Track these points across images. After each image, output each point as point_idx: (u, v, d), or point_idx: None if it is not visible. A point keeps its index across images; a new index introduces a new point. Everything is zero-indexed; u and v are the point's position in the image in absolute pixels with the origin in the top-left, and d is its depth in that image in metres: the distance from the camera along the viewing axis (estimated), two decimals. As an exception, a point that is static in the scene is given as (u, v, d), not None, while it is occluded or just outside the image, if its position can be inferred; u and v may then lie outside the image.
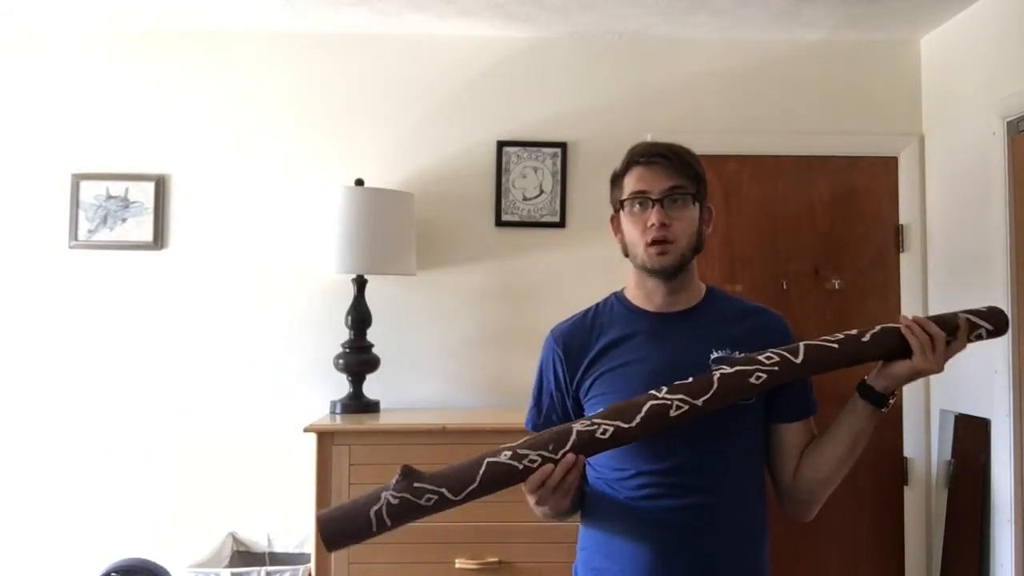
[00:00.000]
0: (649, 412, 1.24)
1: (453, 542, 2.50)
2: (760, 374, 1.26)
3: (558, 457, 1.22)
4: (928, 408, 3.04)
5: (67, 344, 3.03)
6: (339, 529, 1.24)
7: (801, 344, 1.30)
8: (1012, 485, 2.54)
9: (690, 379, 1.26)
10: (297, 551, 2.92)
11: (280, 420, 2.94)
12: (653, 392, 1.26)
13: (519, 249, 3.11)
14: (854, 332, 1.33)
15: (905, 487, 3.07)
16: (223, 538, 2.91)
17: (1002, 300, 2.58)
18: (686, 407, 1.24)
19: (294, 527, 2.92)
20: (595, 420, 1.25)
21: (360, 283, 2.88)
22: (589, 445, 1.24)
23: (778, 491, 1.50)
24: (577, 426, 1.25)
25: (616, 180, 1.50)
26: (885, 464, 3.08)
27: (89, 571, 2.82)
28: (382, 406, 2.90)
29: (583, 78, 3.15)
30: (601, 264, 3.00)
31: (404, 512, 1.22)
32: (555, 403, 1.50)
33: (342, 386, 2.86)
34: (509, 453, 1.23)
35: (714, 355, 1.41)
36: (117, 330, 3.03)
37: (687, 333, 1.45)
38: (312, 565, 2.52)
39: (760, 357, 1.28)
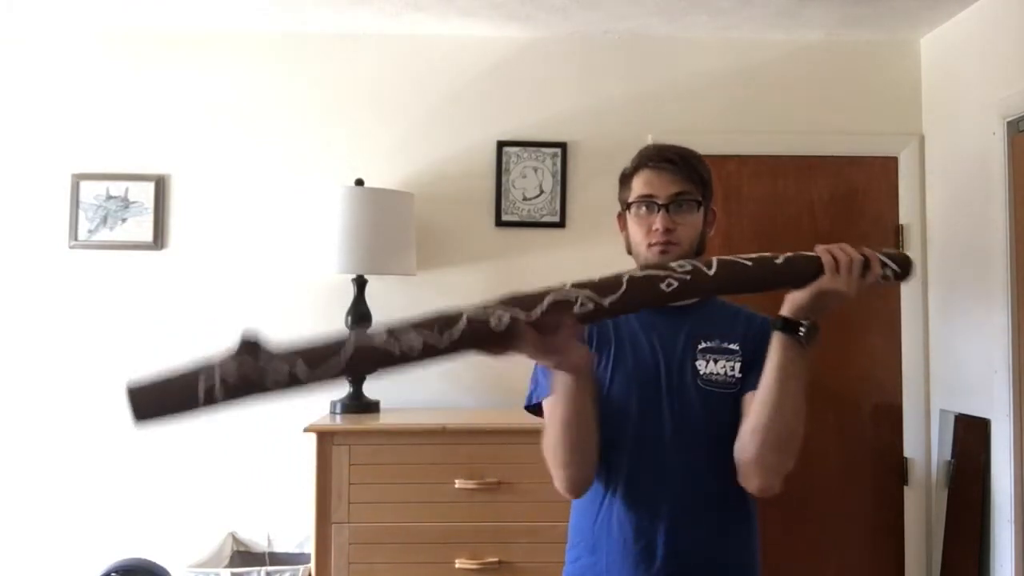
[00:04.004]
0: (550, 308, 1.10)
1: (453, 542, 2.50)
2: (672, 281, 1.16)
3: (444, 344, 1.04)
4: (928, 408, 3.04)
5: (67, 344, 3.02)
6: (154, 401, 1.03)
7: (714, 258, 1.22)
8: (1012, 485, 2.54)
9: (597, 278, 1.15)
10: (297, 551, 2.92)
11: (280, 420, 2.93)
12: (555, 286, 1.14)
13: (519, 249, 3.11)
14: (768, 254, 1.24)
15: (905, 487, 3.07)
16: (223, 538, 2.91)
17: (1002, 300, 2.59)
18: (592, 305, 1.12)
19: (294, 527, 2.92)
20: (489, 306, 1.08)
21: (360, 283, 2.88)
22: (480, 336, 1.07)
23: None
24: (468, 312, 1.07)
25: (625, 180, 1.53)
26: (885, 464, 3.08)
27: (89, 571, 2.82)
28: (382, 406, 2.90)
29: (583, 78, 3.15)
30: (601, 264, 2.95)
31: (241, 391, 1.05)
32: None
33: (342, 386, 2.86)
34: (384, 336, 1.04)
35: (702, 345, 1.44)
36: (117, 330, 3.03)
37: (679, 326, 1.47)
38: (312, 565, 2.52)
39: (673, 264, 1.19)
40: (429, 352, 1.03)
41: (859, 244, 1.32)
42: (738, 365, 1.44)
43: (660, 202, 1.45)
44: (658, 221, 1.44)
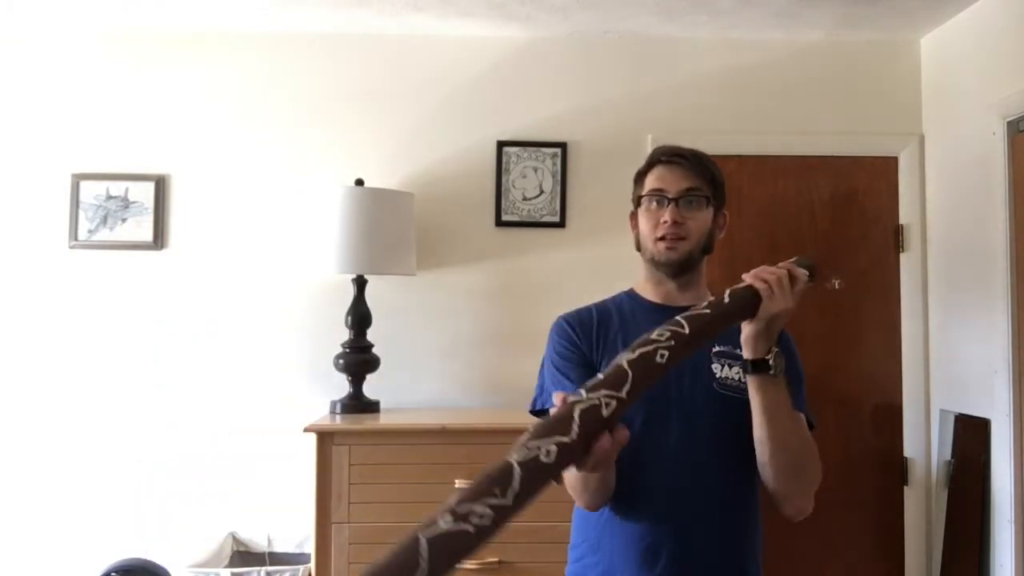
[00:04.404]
0: (583, 419, 1.10)
1: (453, 542, 2.50)
2: (662, 351, 1.19)
3: (512, 501, 1.00)
4: (928, 408, 3.04)
5: (67, 344, 3.02)
6: None
7: (680, 317, 1.26)
8: (1012, 485, 2.54)
9: (600, 376, 1.17)
10: (297, 551, 2.92)
11: (280, 420, 2.93)
12: (574, 398, 1.14)
13: (519, 249, 3.11)
14: (714, 298, 1.30)
15: (905, 487, 3.07)
16: (223, 538, 2.91)
17: (1002, 300, 2.59)
18: (614, 403, 1.13)
19: (294, 527, 2.92)
20: (530, 444, 1.06)
21: (360, 283, 2.88)
22: (538, 475, 1.05)
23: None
24: (515, 458, 1.04)
25: (639, 178, 1.56)
26: (885, 464, 3.08)
27: (89, 571, 2.82)
28: (382, 406, 2.90)
29: (583, 78, 3.15)
30: (601, 264, 3.00)
31: None
32: (584, 360, 1.48)
33: (342, 386, 2.86)
34: (449, 517, 0.95)
35: (715, 348, 1.45)
36: (117, 330, 3.03)
37: None
38: (312, 565, 2.52)
39: (653, 336, 1.21)
40: (501, 515, 0.97)
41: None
42: None
43: (670, 196, 1.47)
44: (667, 213, 1.46)
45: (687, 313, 1.25)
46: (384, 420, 2.74)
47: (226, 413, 3.01)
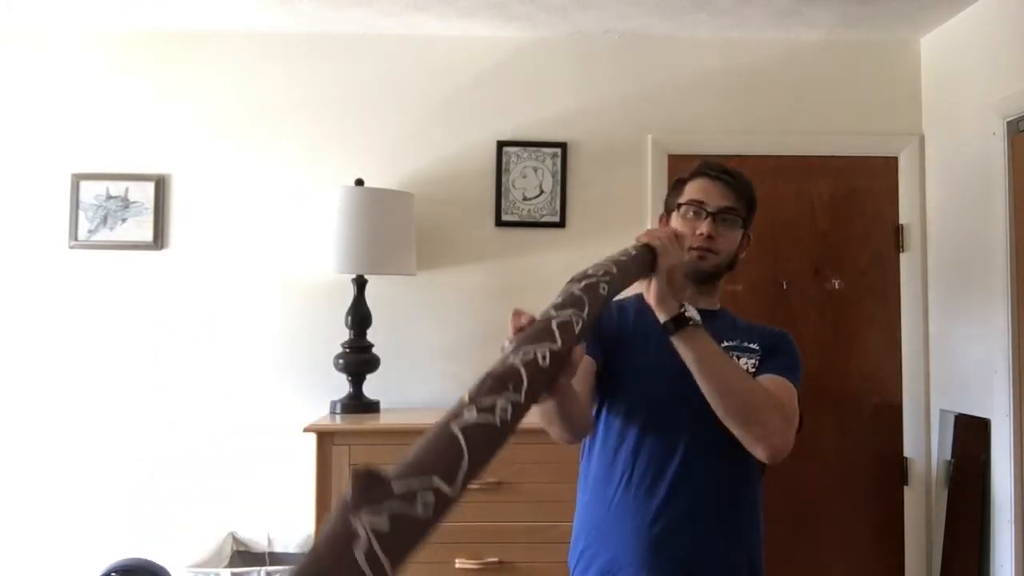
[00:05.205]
0: (561, 331, 1.12)
1: (453, 542, 2.50)
2: (603, 284, 1.23)
3: (523, 399, 1.00)
4: (928, 408, 3.04)
5: (67, 344, 3.02)
6: None
7: (606, 261, 1.30)
8: (1012, 485, 2.54)
9: (558, 299, 1.19)
10: (297, 551, 2.92)
11: (280, 420, 2.94)
12: (547, 317, 1.15)
13: (519, 249, 3.11)
14: (622, 251, 1.35)
15: (905, 487, 3.07)
16: (223, 538, 2.91)
17: (1002, 300, 2.59)
18: (580, 322, 1.16)
19: (294, 527, 2.92)
20: (525, 349, 1.07)
21: (360, 283, 2.88)
22: (539, 377, 1.06)
23: None
24: (517, 360, 1.03)
25: (678, 185, 1.60)
26: (885, 464, 3.08)
27: (89, 571, 2.82)
28: (382, 406, 2.90)
29: (583, 78, 3.15)
30: (601, 264, 3.00)
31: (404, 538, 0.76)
32: (597, 335, 1.50)
33: (342, 386, 2.86)
34: (474, 409, 0.92)
35: (724, 344, 1.48)
36: (117, 330, 3.03)
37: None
38: (312, 565, 2.51)
39: (589, 271, 1.25)
40: (517, 411, 0.98)
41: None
42: (758, 362, 1.51)
43: (709, 209, 1.52)
44: (704, 226, 1.51)
45: (610, 258, 1.29)
46: (384, 420, 2.74)
47: (226, 413, 3.01)
